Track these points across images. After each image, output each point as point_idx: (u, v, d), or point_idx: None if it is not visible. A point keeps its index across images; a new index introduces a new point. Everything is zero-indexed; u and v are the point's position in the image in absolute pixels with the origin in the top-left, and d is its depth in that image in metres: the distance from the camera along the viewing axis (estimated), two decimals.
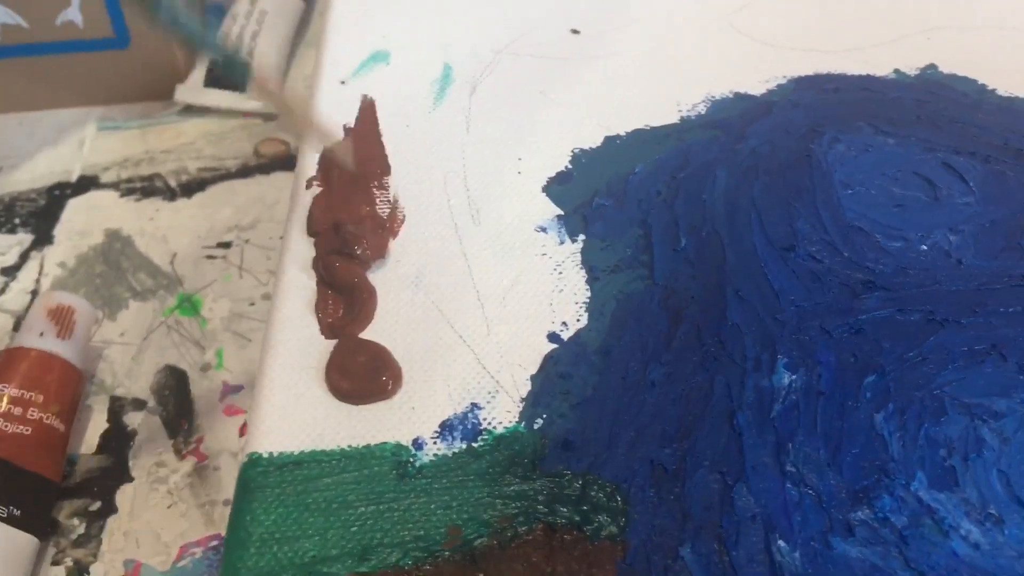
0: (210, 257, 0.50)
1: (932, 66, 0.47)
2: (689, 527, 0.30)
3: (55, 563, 0.38)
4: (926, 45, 0.49)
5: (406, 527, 0.30)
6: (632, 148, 0.43)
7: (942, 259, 0.38)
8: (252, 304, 0.48)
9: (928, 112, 0.45)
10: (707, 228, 0.39)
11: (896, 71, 0.47)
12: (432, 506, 0.30)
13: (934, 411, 0.33)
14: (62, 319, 0.42)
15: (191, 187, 0.54)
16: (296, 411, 0.33)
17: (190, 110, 0.59)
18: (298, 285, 0.37)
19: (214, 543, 0.39)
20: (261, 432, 0.32)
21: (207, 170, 0.55)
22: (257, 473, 0.31)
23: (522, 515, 0.30)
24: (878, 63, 0.47)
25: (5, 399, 0.38)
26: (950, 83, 0.46)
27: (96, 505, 0.40)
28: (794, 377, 0.34)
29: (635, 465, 0.31)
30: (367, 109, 0.44)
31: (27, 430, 0.38)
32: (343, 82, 0.46)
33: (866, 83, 0.46)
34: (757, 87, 0.46)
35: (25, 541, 0.37)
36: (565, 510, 0.30)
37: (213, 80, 0.58)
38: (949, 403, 0.33)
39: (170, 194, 0.54)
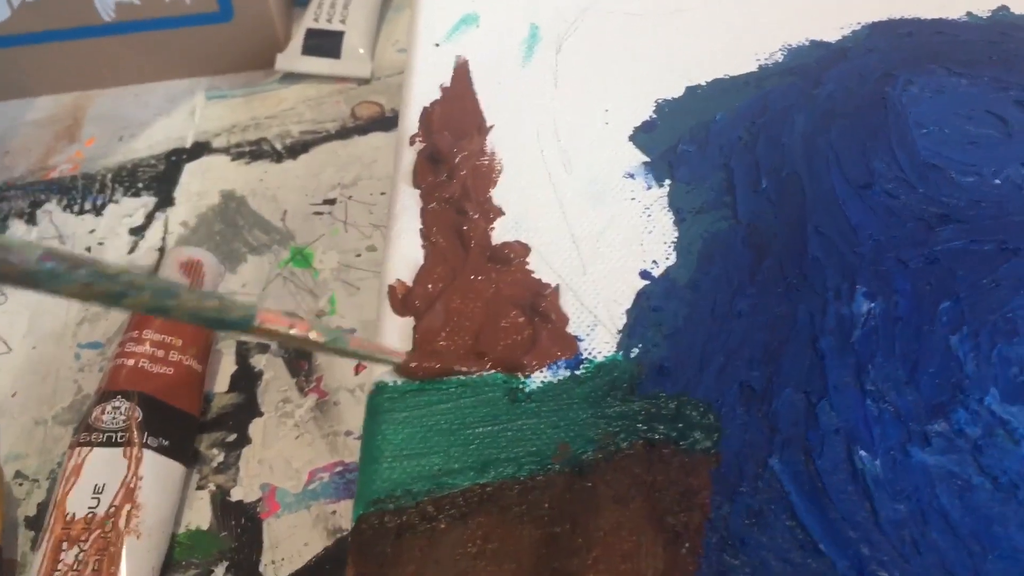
0: (317, 213, 0.54)
1: (1004, 8, 0.48)
2: (777, 440, 0.33)
3: (200, 487, 0.42)
4: None
5: (520, 444, 0.33)
6: (713, 97, 0.45)
7: (1014, 192, 0.40)
8: (358, 255, 0.51)
9: (1000, 53, 0.46)
10: (787, 169, 0.41)
11: (969, 14, 0.48)
12: (542, 426, 0.33)
13: (1007, 332, 0.35)
14: (193, 271, 0.46)
15: (295, 149, 0.58)
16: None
17: (290, 77, 0.63)
18: (408, 232, 0.40)
19: (339, 469, 0.43)
20: None
21: (309, 133, 0.59)
22: (384, 399, 0.34)
23: (623, 432, 0.33)
24: (951, 6, 0.49)
25: (149, 343, 0.43)
26: (1022, 24, 0.48)
27: (232, 437, 0.44)
28: (873, 305, 0.36)
29: (725, 387, 0.34)
30: (461, 69, 0.47)
31: (170, 371, 0.42)
32: (437, 44, 0.49)
33: (939, 26, 0.48)
34: (832, 34, 0.48)
35: (174, 468, 0.41)
36: (662, 427, 0.33)
37: (310, 48, 0.62)
38: (1021, 325, 0.35)
39: (276, 156, 0.58)
